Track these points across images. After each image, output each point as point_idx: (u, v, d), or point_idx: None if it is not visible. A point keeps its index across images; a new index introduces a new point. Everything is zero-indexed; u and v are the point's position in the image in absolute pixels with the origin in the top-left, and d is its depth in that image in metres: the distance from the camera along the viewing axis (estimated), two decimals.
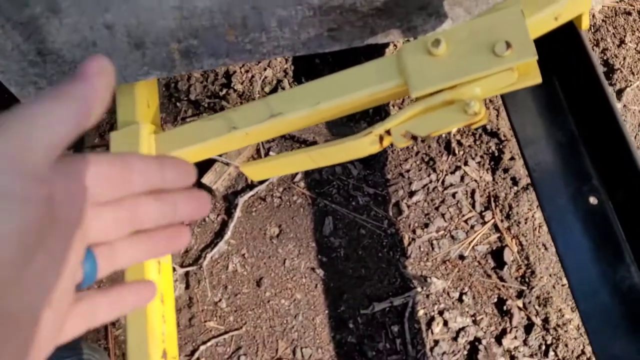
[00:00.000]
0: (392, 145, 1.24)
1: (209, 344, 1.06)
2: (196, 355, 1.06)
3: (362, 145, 0.74)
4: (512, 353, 1.03)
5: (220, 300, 1.10)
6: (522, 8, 0.65)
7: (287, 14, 0.80)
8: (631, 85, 1.29)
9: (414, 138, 0.71)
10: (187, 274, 1.12)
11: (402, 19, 0.85)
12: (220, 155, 1.18)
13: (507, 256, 1.11)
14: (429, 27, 0.89)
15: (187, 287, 1.11)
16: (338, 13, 0.82)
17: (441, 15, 0.86)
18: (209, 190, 1.18)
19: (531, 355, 1.03)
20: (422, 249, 1.13)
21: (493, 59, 0.65)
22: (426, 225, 1.15)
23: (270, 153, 1.22)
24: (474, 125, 0.68)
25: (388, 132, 0.74)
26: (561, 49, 0.91)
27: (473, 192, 1.18)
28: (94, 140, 1.26)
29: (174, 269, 1.11)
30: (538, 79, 0.67)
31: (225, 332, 1.07)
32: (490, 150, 1.20)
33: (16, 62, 0.81)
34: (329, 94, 0.77)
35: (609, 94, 0.83)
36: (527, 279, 1.09)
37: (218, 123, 0.85)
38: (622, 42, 1.34)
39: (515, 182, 1.17)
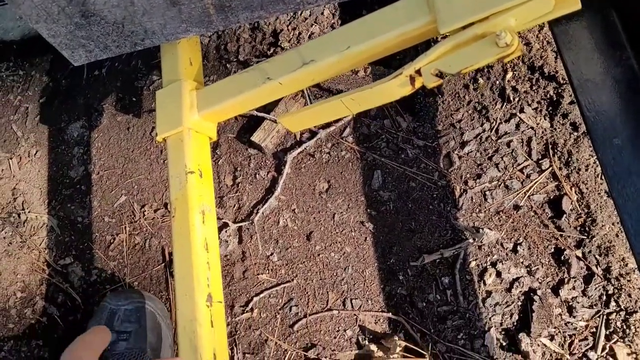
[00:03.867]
0: (442, 95, 1.21)
1: (262, 295, 1.10)
2: (250, 305, 1.09)
3: (392, 87, 0.73)
4: (570, 303, 0.99)
5: (272, 254, 1.13)
6: None
7: None
8: None
9: (445, 76, 0.69)
10: (239, 229, 1.16)
11: None
12: (268, 113, 1.20)
13: (566, 205, 1.06)
14: None
15: (240, 241, 1.15)
16: None
17: None
18: (258, 147, 1.20)
19: (590, 306, 0.98)
20: (474, 200, 1.10)
21: None
22: (479, 176, 1.11)
23: None
24: (507, 59, 0.65)
25: (419, 72, 0.71)
26: None
27: (529, 140, 1.12)
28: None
29: (227, 225, 1.15)
30: (577, 5, 0.62)
31: (277, 284, 1.10)
32: (548, 95, 1.14)
33: (64, 26, 0.85)
34: (359, 37, 0.76)
35: None
36: (587, 228, 1.03)
37: (253, 75, 0.86)
38: None
39: (575, 127, 1.10)
